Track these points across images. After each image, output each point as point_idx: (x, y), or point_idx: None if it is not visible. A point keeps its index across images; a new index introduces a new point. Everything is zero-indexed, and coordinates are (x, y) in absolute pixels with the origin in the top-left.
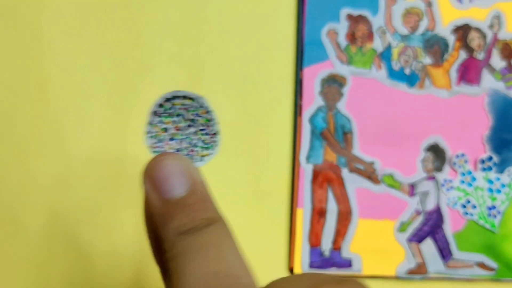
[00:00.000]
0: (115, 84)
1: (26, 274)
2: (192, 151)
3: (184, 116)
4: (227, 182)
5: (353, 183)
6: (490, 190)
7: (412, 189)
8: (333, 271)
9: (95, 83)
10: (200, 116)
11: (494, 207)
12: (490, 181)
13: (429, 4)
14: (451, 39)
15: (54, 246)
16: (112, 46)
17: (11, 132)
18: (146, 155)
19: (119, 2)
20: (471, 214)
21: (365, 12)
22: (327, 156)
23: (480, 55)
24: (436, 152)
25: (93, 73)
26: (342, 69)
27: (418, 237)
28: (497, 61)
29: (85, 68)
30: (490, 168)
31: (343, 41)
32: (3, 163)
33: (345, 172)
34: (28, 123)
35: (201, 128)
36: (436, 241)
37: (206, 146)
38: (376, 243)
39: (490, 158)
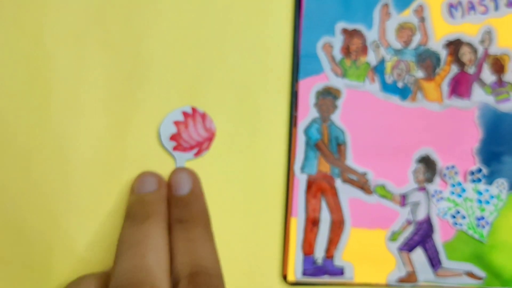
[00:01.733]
0: (115, 93)
1: (28, 277)
2: None
3: None
4: (223, 191)
5: (346, 193)
6: (479, 201)
7: (403, 199)
8: (325, 279)
9: (96, 92)
10: None
11: (483, 218)
12: (479, 193)
13: (422, 19)
14: (443, 53)
15: (54, 250)
16: (113, 56)
17: (13, 140)
18: (144, 163)
19: (120, 14)
20: (461, 224)
21: (360, 27)
22: (321, 166)
23: (471, 70)
24: (427, 163)
25: (93, 82)
26: (336, 82)
27: (408, 246)
28: (488, 76)
29: (86, 77)
30: (479, 180)
31: (338, 54)
32: (6, 171)
33: (338, 183)
34: (29, 131)
35: None
36: (426, 250)
37: None
38: (368, 252)
39: (479, 170)
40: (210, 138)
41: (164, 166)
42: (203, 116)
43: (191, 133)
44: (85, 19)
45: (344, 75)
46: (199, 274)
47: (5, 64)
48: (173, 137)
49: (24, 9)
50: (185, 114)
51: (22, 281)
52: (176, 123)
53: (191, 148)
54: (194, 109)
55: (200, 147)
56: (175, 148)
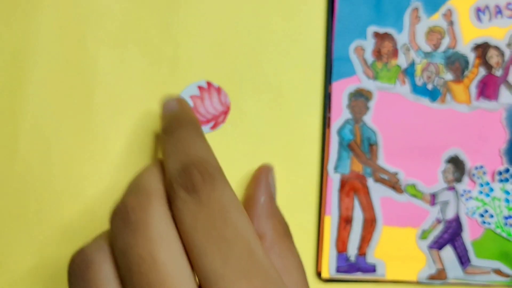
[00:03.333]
0: (154, 96)
1: None
2: None
3: None
4: None
5: (378, 192)
6: (507, 200)
7: (433, 198)
8: (358, 276)
9: (136, 95)
10: None
11: (510, 217)
12: (507, 192)
13: (451, 23)
14: (471, 56)
15: None
16: (152, 59)
17: (58, 143)
18: None
19: (158, 18)
20: (489, 223)
21: (391, 30)
22: (353, 166)
23: (498, 72)
24: (456, 163)
25: (134, 85)
26: (368, 84)
27: (438, 244)
28: None
29: (127, 80)
30: (507, 180)
31: (369, 57)
32: (50, 172)
33: (370, 182)
34: (73, 134)
35: None
36: (455, 248)
37: None
38: (399, 250)
39: (507, 170)
40: (225, 112)
41: None
42: (218, 90)
43: (207, 107)
44: (125, 23)
45: (375, 77)
46: (191, 164)
47: (50, 67)
48: None
49: (67, 15)
50: (200, 88)
51: None
52: (192, 97)
53: (208, 121)
54: (209, 83)
55: (216, 120)
56: None
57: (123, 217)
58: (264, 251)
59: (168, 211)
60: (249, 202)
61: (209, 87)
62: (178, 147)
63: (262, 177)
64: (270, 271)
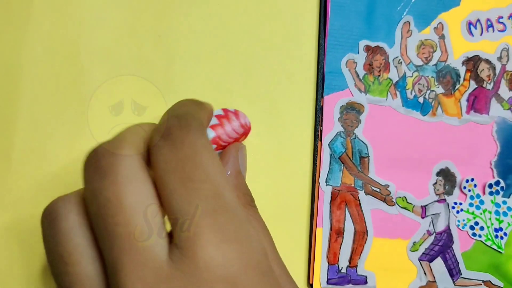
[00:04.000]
0: (149, 108)
1: None
2: None
3: None
4: None
5: (369, 204)
6: (497, 213)
7: (424, 211)
8: (349, 287)
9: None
10: None
11: (501, 229)
12: (497, 205)
13: (442, 37)
14: (462, 70)
15: None
16: (145, 72)
17: (50, 150)
18: None
19: (151, 31)
20: (479, 236)
21: (382, 44)
22: (345, 179)
23: (489, 85)
24: (447, 176)
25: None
26: (360, 98)
27: (429, 256)
28: (505, 91)
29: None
30: (497, 192)
31: (361, 71)
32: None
33: (361, 194)
34: (66, 143)
35: None
36: (445, 260)
37: None
38: (389, 262)
39: (497, 183)
40: (246, 133)
41: None
42: (236, 113)
43: (229, 132)
44: (118, 36)
45: (367, 90)
46: (174, 116)
47: (44, 78)
48: (213, 141)
49: (61, 27)
50: (218, 117)
51: None
52: (213, 126)
53: (229, 144)
54: (225, 110)
55: (238, 142)
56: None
57: (94, 163)
58: (234, 195)
59: (141, 159)
60: None
61: (226, 113)
62: (173, 107)
63: (231, 153)
64: (237, 210)
